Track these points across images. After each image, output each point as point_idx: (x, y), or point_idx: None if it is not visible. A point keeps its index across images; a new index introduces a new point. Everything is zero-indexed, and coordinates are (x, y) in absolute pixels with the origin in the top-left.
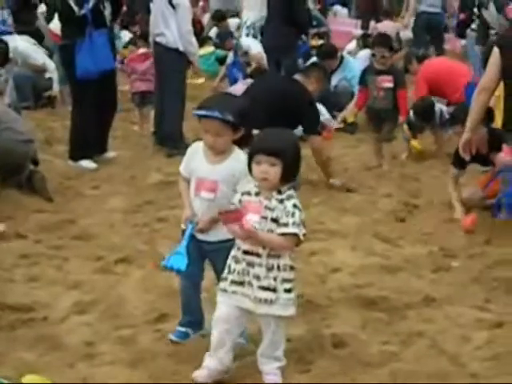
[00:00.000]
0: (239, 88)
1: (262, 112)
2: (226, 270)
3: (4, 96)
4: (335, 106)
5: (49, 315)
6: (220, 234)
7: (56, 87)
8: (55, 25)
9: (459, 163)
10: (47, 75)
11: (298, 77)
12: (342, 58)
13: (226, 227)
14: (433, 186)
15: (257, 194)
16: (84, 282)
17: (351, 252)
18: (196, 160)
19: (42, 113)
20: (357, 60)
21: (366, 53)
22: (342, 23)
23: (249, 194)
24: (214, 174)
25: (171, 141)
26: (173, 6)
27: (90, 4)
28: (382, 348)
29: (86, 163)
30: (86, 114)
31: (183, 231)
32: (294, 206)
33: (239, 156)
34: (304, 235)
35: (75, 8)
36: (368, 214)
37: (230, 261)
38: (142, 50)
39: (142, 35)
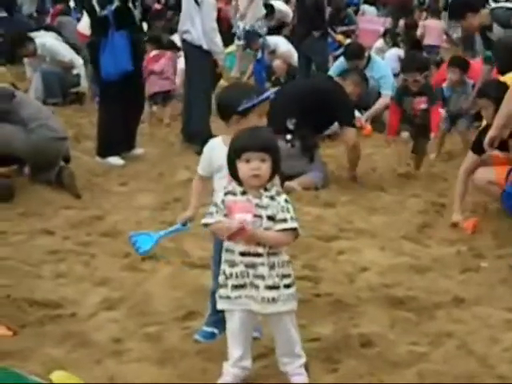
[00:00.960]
0: None
1: (293, 108)
2: (222, 277)
3: (29, 91)
4: (362, 105)
5: (76, 312)
6: None
7: (84, 83)
8: (82, 25)
9: (478, 149)
10: (75, 71)
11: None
12: (370, 57)
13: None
14: None
15: (243, 193)
16: (112, 279)
17: (379, 251)
18: (218, 156)
19: (70, 109)
20: (384, 60)
21: (394, 52)
22: (370, 21)
23: (233, 193)
24: None
25: (200, 138)
26: (197, 3)
27: (113, 6)
28: (410, 348)
29: (114, 160)
30: (114, 111)
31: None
32: (286, 201)
33: None
34: None
35: (97, 8)
36: (397, 213)
37: (223, 266)
38: (154, 52)
39: (150, 39)
